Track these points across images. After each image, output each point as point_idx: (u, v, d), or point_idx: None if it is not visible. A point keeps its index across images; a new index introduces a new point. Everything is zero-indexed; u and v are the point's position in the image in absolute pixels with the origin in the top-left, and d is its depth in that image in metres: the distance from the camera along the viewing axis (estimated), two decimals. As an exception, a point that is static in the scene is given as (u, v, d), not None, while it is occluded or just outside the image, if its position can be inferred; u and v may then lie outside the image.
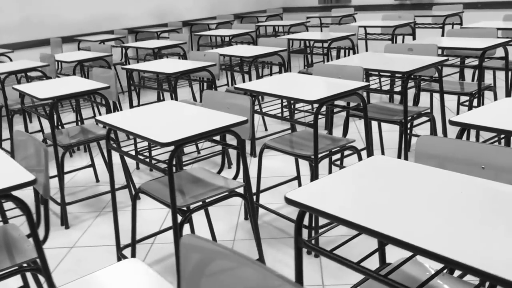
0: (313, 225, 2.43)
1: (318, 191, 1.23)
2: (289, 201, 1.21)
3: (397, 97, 4.69)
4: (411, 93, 4.66)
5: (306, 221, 2.50)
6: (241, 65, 3.97)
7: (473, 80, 4.29)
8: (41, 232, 1.61)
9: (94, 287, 1.01)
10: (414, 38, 5.31)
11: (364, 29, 5.78)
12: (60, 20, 5.96)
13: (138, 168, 3.78)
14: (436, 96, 5.00)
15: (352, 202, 1.15)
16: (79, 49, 6.02)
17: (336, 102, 3.49)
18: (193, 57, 3.72)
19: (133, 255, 2.31)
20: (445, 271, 1.42)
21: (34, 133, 4.75)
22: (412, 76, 3.07)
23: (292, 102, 3.54)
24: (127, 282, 1.02)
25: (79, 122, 3.96)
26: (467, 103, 4.20)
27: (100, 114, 4.91)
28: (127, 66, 3.51)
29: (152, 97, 6.02)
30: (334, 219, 1.11)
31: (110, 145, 2.18)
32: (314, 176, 2.27)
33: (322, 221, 2.50)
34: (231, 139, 3.92)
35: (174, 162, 1.82)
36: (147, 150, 3.78)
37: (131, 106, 3.88)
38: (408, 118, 2.89)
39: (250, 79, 3.57)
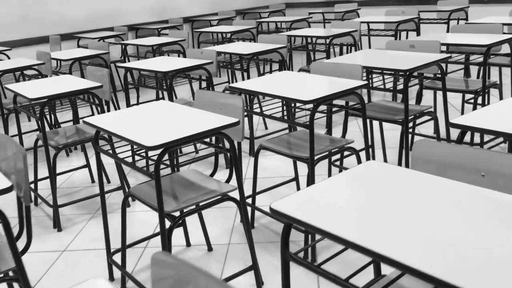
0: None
1: (306, 200, 1.14)
2: (274, 212, 1.13)
3: (400, 96, 4.58)
4: (414, 91, 4.56)
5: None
6: (241, 62, 3.88)
7: (478, 77, 4.18)
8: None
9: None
10: (418, 34, 5.19)
11: (367, 25, 5.67)
12: (60, 17, 5.89)
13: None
14: (440, 94, 4.89)
15: (342, 214, 1.07)
16: (78, 46, 5.95)
17: (335, 101, 3.40)
18: (191, 55, 3.63)
19: (123, 261, 2.24)
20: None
21: (31, 132, 4.69)
22: (415, 74, 2.97)
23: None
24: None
25: (76, 122, 3.89)
26: (472, 101, 4.09)
27: (98, 113, 4.84)
28: (123, 64, 3.44)
29: (151, 95, 5.95)
30: (321, 233, 1.03)
31: (99, 147, 2.11)
32: (310, 179, 2.19)
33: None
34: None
35: (162, 166, 1.75)
36: (144, 151, 3.70)
37: (128, 105, 3.81)
38: (410, 117, 2.80)
39: (248, 77, 3.48)
